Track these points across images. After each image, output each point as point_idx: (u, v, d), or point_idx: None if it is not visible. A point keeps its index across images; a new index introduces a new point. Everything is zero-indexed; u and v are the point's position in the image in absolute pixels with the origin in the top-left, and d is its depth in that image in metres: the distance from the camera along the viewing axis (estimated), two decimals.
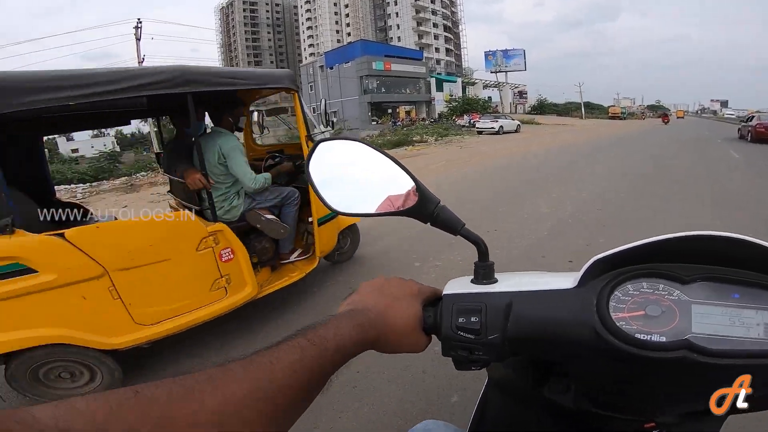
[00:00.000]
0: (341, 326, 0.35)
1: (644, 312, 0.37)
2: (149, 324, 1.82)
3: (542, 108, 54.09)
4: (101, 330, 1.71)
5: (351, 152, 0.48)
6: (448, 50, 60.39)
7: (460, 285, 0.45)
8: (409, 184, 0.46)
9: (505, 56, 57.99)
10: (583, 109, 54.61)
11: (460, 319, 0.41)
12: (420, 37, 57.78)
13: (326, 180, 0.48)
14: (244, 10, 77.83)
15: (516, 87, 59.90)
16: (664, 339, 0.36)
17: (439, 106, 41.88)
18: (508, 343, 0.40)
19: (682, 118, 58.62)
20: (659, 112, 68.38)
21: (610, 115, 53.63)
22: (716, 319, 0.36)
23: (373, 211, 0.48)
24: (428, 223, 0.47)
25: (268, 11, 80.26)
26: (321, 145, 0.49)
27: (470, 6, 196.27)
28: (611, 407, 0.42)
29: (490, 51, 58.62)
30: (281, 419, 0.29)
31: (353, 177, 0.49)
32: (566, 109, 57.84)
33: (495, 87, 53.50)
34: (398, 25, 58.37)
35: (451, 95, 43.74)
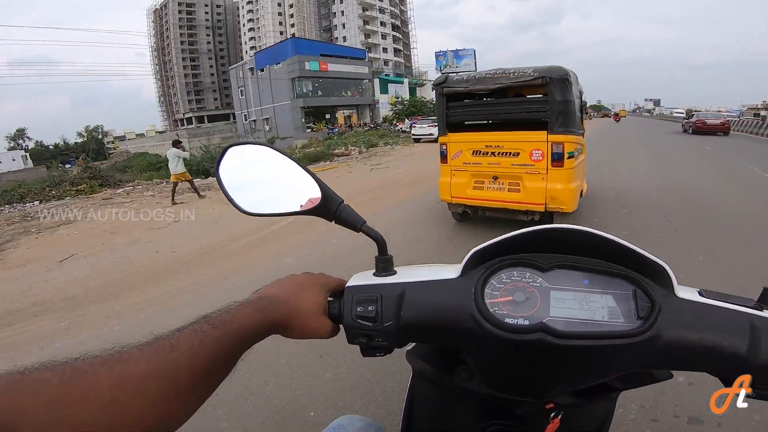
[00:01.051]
0: (244, 310, 0.37)
1: (512, 298, 0.40)
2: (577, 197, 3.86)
3: None
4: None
5: (259, 156, 0.50)
6: (397, 50, 58.74)
7: (363, 278, 0.48)
8: (313, 185, 0.49)
9: (455, 56, 56.99)
10: None
11: (359, 308, 0.44)
12: (367, 36, 55.64)
13: (235, 182, 0.50)
14: (180, 11, 72.11)
15: None
16: (527, 323, 0.38)
17: (384, 110, 39.49)
18: (403, 329, 0.43)
19: (625, 116, 61.15)
20: (602, 111, 71.11)
21: None
22: (569, 303, 0.39)
23: (279, 211, 0.50)
24: (333, 221, 0.50)
25: (207, 12, 75.13)
26: (231, 150, 0.50)
27: (425, 9, 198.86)
28: (507, 390, 0.44)
29: (440, 51, 57.60)
30: (184, 399, 0.29)
31: (261, 180, 0.52)
32: None
33: None
34: (344, 25, 55.90)
35: (397, 97, 41.63)
